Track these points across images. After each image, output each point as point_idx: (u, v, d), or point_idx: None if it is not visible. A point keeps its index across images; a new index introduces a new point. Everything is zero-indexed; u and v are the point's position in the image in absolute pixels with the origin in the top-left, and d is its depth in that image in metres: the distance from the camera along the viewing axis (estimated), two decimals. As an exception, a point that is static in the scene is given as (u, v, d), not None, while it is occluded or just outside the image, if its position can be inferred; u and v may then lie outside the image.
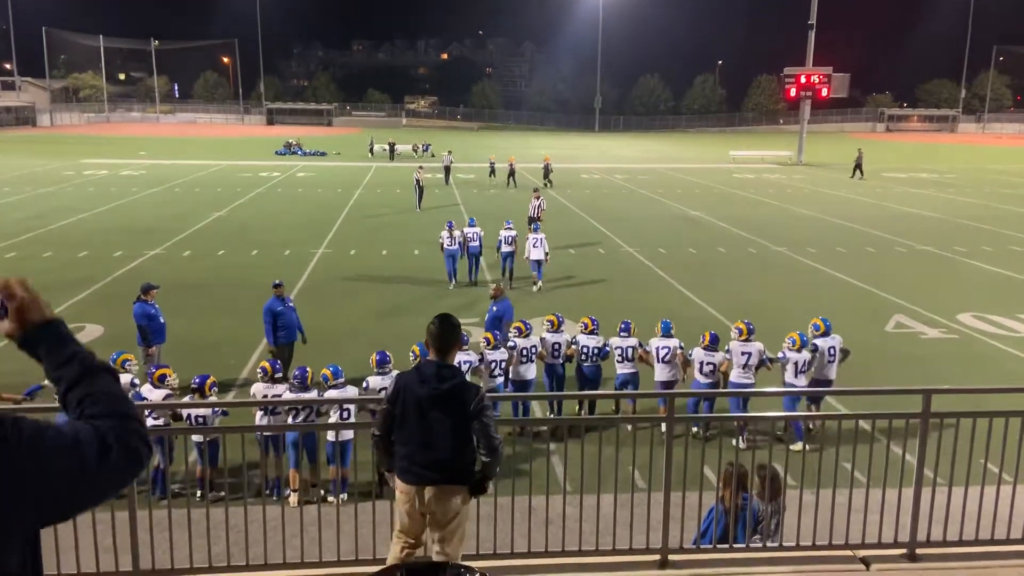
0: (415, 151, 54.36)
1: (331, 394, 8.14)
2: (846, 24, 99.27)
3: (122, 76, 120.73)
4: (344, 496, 7.68)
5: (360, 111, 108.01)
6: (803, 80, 53.15)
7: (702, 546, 5.39)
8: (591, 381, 10.35)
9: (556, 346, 10.38)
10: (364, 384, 8.71)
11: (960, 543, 5.30)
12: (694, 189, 37.34)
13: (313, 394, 8.15)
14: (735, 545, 5.38)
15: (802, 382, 9.69)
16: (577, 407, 10.52)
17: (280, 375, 8.55)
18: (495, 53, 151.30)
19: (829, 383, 9.94)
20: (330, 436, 7.95)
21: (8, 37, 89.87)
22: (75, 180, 36.97)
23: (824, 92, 53.89)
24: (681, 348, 10.24)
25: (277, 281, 11.79)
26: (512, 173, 37.66)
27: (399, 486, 4.80)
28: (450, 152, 39.68)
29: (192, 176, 39.53)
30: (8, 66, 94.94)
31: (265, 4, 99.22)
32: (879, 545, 5.31)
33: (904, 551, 5.30)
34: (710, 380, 9.90)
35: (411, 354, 9.33)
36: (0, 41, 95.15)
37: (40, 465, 1.61)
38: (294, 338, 11.37)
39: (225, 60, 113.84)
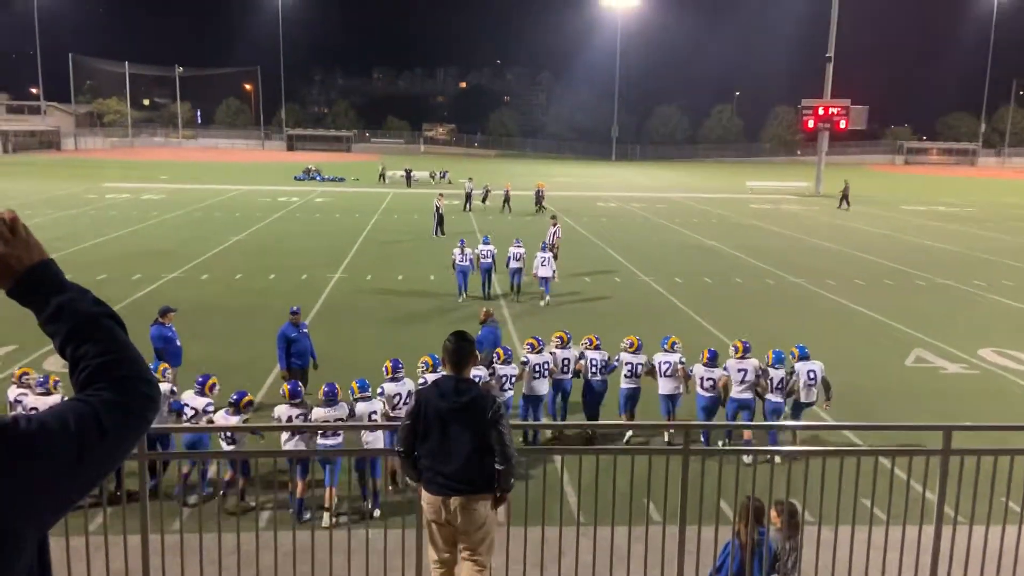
0: (432, 178, 54.75)
1: (318, 413, 8.24)
2: (865, 56, 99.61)
3: (146, 102, 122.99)
4: (377, 512, 8.06)
5: (379, 138, 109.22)
6: (821, 112, 53.27)
7: (717, 582, 5.31)
8: (598, 394, 10.67)
9: (565, 361, 10.71)
10: (380, 390, 8.95)
11: (982, 584, 5.18)
12: (711, 219, 37.34)
13: (344, 409, 8.32)
14: (751, 582, 5.30)
15: (778, 399, 10.16)
16: (589, 433, 10.61)
17: (299, 399, 8.57)
18: (513, 82, 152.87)
19: (809, 406, 10.35)
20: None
21: (35, 62, 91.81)
22: (97, 204, 37.49)
23: (842, 124, 53.97)
24: (682, 363, 10.63)
25: (294, 308, 11.91)
26: (507, 199, 38.24)
27: (425, 497, 4.96)
28: (471, 179, 39.96)
29: (212, 200, 40.00)
30: (34, 91, 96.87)
31: (287, 32, 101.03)
32: (899, 584, 5.21)
33: (925, 591, 5.19)
34: (711, 395, 10.29)
35: (423, 364, 9.63)
36: (26, 66, 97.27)
37: (37, 467, 1.48)
38: (307, 364, 11.43)
39: (247, 87, 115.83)
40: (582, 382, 10.83)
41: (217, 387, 8.83)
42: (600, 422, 10.68)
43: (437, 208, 29.35)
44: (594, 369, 10.65)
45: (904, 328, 17.06)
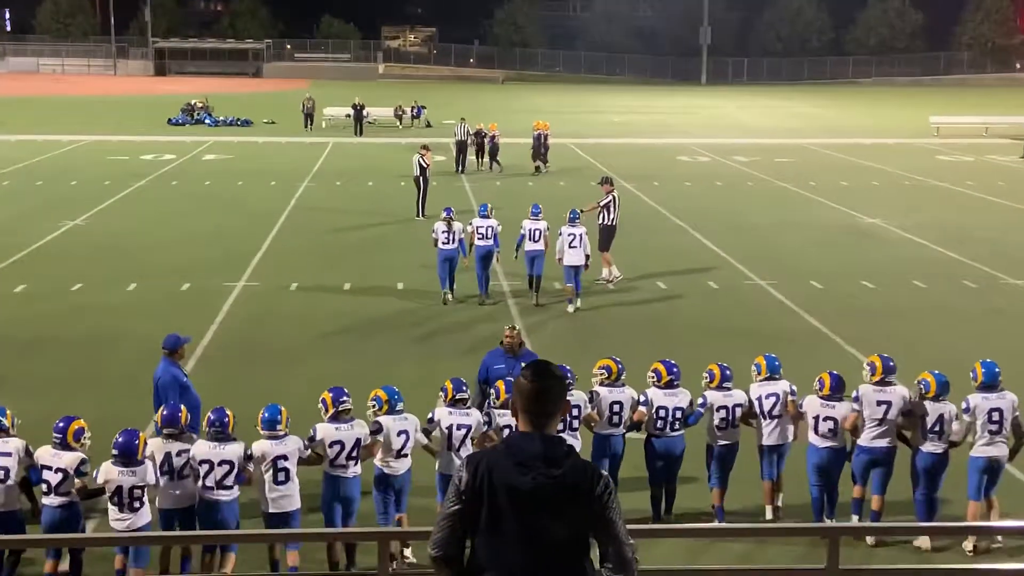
0: (399, 118, 54.83)
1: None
2: None
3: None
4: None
5: (308, 52, 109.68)
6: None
7: None
8: (674, 459, 11.21)
9: (616, 406, 11.01)
10: (311, 433, 10.10)
11: None
12: (871, 180, 37.23)
13: (238, 445, 9.82)
14: None
15: (937, 449, 10.63)
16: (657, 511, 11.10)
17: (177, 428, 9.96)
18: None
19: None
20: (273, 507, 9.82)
21: None
22: None
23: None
24: (793, 395, 11.20)
25: (174, 339, 11.93)
26: (494, 152, 38.82)
27: None
28: (464, 120, 39.97)
29: (31, 160, 40.16)
30: None
31: None
32: None
33: None
34: (832, 444, 10.83)
35: (374, 402, 10.38)
36: None
37: None
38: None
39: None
40: (644, 439, 11.22)
41: (87, 433, 9.66)
42: (686, 526, 10.61)
43: (422, 169, 29.14)
44: (662, 421, 11.07)
45: None
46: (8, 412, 9.87)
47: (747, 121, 62.74)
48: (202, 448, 9.74)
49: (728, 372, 11.40)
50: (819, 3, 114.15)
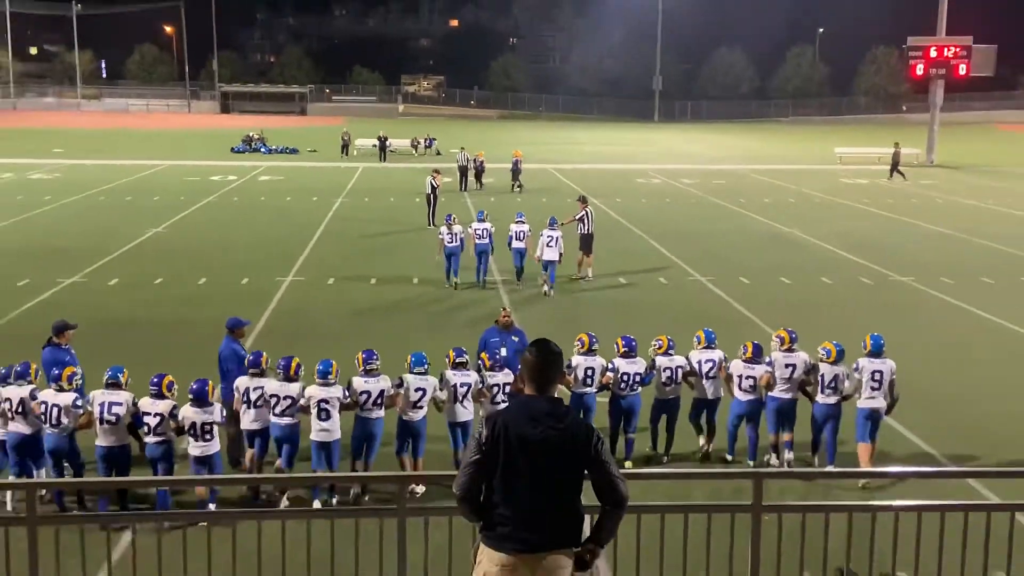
0: (414, 148, 54.87)
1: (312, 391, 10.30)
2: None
3: (33, 51, 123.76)
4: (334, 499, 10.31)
5: (343, 96, 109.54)
6: (933, 54, 53.09)
7: None
8: (634, 413, 11.46)
9: (589, 371, 11.25)
10: (348, 383, 10.45)
11: None
12: (788, 198, 37.34)
13: (297, 386, 10.31)
14: None
15: (831, 401, 11.00)
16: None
17: (258, 369, 10.57)
18: (520, 19, 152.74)
19: (874, 414, 10.96)
20: (315, 436, 10.26)
21: None
22: (-30, 186, 37.70)
23: (962, 70, 53.79)
24: (725, 360, 11.55)
25: (235, 321, 11.92)
26: (480, 173, 38.94)
27: (494, 558, 4.96)
28: (464, 149, 40.09)
29: (122, 181, 40.16)
30: None
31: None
32: None
33: None
34: (752, 397, 11.23)
35: (446, 358, 10.88)
36: None
37: None
38: None
39: (167, 30, 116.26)
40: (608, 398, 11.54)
41: (175, 386, 9.99)
42: (637, 471, 10.65)
43: (433, 188, 29.27)
44: (624, 384, 11.33)
45: (1049, 342, 17.01)
46: (125, 372, 10.11)
47: (691, 151, 62.85)
48: (273, 386, 10.30)
49: (672, 342, 11.66)
50: (747, 58, 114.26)
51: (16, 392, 9.91)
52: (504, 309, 13.52)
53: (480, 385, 10.83)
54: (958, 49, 53.14)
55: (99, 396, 9.82)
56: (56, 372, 10.15)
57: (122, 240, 26.06)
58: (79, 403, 9.87)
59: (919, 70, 54.15)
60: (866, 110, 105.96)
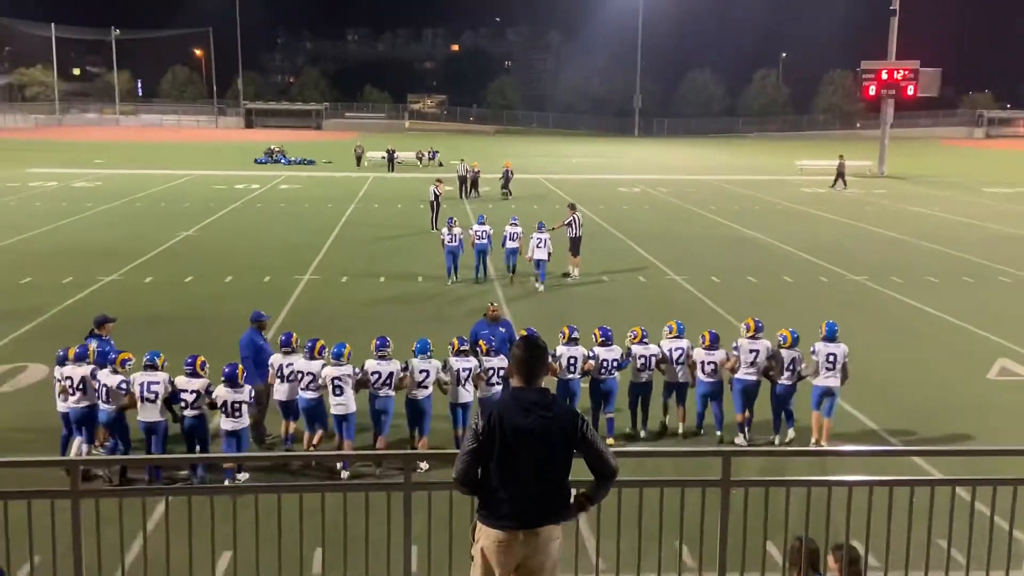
0: (419, 159, 54.83)
1: (371, 365, 10.74)
2: (936, 10, 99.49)
3: (77, 71, 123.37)
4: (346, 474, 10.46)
5: (355, 112, 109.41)
6: (884, 76, 53.22)
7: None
8: (612, 395, 11.59)
9: (572, 360, 11.36)
10: (362, 365, 10.68)
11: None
12: (754, 206, 37.34)
13: (318, 363, 10.67)
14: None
15: (789, 382, 11.29)
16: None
17: (289, 348, 10.99)
18: (515, 44, 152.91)
19: (829, 391, 11.29)
20: (333, 410, 10.65)
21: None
22: (19, 193, 37.61)
23: (910, 91, 53.92)
24: (691, 348, 11.73)
25: (259, 313, 12.05)
26: (476, 182, 38.94)
27: (490, 535, 4.97)
28: (464, 160, 40.10)
29: (156, 188, 40.11)
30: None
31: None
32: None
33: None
34: (713, 379, 11.45)
35: (449, 345, 11.09)
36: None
37: None
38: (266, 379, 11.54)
39: (197, 53, 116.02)
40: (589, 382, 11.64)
41: (208, 365, 10.31)
42: (620, 448, 10.71)
43: (436, 196, 29.33)
44: (604, 369, 11.45)
45: (986, 334, 17.04)
46: (161, 355, 10.37)
47: (667, 163, 62.86)
48: (301, 363, 10.71)
49: (646, 332, 11.81)
50: (717, 79, 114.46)
51: (78, 371, 10.24)
52: (492, 304, 13.69)
53: (479, 369, 10.97)
54: (907, 72, 53.29)
55: (139, 377, 10.16)
56: (112, 356, 10.50)
57: (156, 242, 26.02)
58: (123, 385, 10.18)
59: (872, 91, 54.29)
60: (824, 126, 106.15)
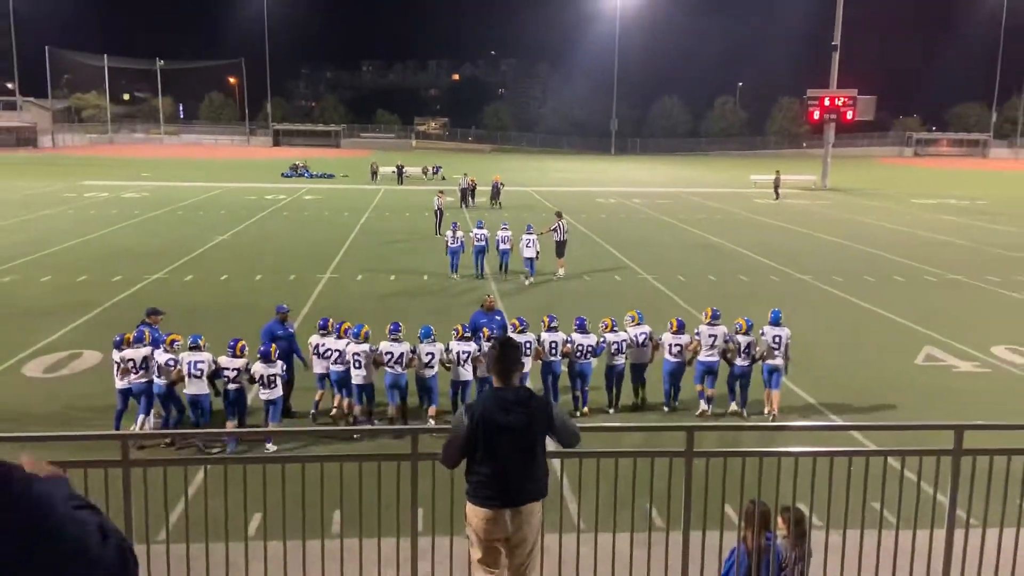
0: (425, 174, 54.74)
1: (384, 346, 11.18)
2: (872, 44, 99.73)
3: (126, 97, 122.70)
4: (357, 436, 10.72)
5: (369, 132, 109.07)
6: (827, 102, 53.33)
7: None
8: (586, 376, 11.70)
9: (553, 344, 11.56)
10: (378, 345, 11.09)
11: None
12: (714, 215, 37.38)
13: (344, 341, 11.14)
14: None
15: (745, 363, 11.59)
16: (577, 407, 11.67)
17: (325, 330, 11.38)
18: (508, 74, 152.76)
19: (776, 368, 11.56)
20: (354, 380, 11.05)
21: (10, 56, 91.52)
22: (76, 203, 37.43)
23: (849, 115, 54.04)
24: (653, 333, 12.08)
25: (282, 306, 12.18)
26: (472, 192, 38.91)
27: (478, 513, 4.96)
28: (466, 175, 40.03)
29: (196, 199, 39.96)
30: (10, 86, 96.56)
31: (273, 24, 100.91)
32: (910, 589, 5.25)
33: (936, 596, 5.24)
34: (678, 360, 11.72)
35: (453, 332, 11.35)
36: (1, 60, 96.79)
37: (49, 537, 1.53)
38: (290, 363, 11.59)
39: (232, 80, 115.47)
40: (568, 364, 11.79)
41: (247, 347, 10.68)
42: (599, 424, 10.78)
43: (439, 206, 29.38)
44: (580, 353, 11.59)
45: (914, 326, 17.12)
46: (203, 338, 10.70)
47: (640, 178, 62.86)
48: (332, 342, 11.18)
49: (615, 322, 12.11)
50: (682, 105, 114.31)
51: (139, 352, 10.57)
52: (488, 296, 13.75)
53: (477, 352, 11.13)
54: (846, 99, 53.41)
55: (187, 356, 10.48)
56: (163, 337, 10.87)
57: (195, 245, 25.93)
58: (171, 363, 10.48)
59: (816, 115, 54.44)
60: (775, 146, 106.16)
